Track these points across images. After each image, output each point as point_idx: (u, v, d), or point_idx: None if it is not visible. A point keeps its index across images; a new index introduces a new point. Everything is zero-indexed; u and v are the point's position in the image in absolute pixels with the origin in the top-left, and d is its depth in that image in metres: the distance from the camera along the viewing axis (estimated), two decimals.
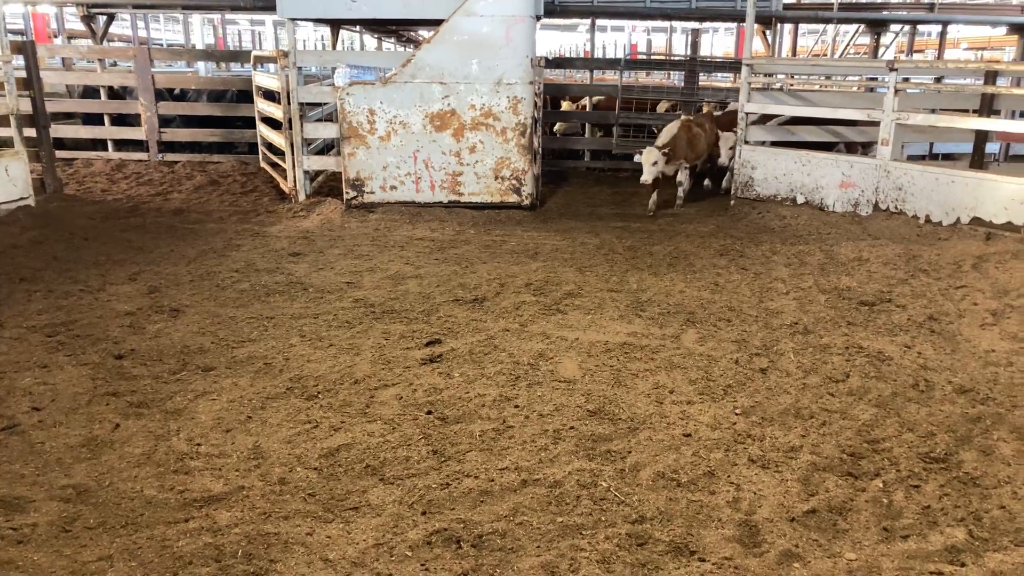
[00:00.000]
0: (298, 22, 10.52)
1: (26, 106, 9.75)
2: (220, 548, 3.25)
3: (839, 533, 3.40)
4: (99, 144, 13.38)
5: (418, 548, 3.26)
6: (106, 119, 13.26)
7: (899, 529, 3.42)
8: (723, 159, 10.83)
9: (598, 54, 27.22)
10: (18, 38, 15.87)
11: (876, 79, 11.81)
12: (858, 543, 3.33)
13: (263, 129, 11.56)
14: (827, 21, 16.93)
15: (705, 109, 12.53)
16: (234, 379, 4.90)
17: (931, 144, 12.10)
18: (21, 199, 9.13)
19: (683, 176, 10.26)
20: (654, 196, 9.89)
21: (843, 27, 19.62)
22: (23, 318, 5.89)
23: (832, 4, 16.46)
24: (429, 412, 4.45)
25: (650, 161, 9.36)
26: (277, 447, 4.08)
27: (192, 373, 4.99)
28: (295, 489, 3.70)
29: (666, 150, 9.49)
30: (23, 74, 9.96)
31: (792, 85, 12.15)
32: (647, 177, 9.39)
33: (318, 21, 14.27)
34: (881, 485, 3.75)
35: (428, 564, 3.16)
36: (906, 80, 9.27)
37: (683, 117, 10.70)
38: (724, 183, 11.17)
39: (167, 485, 3.72)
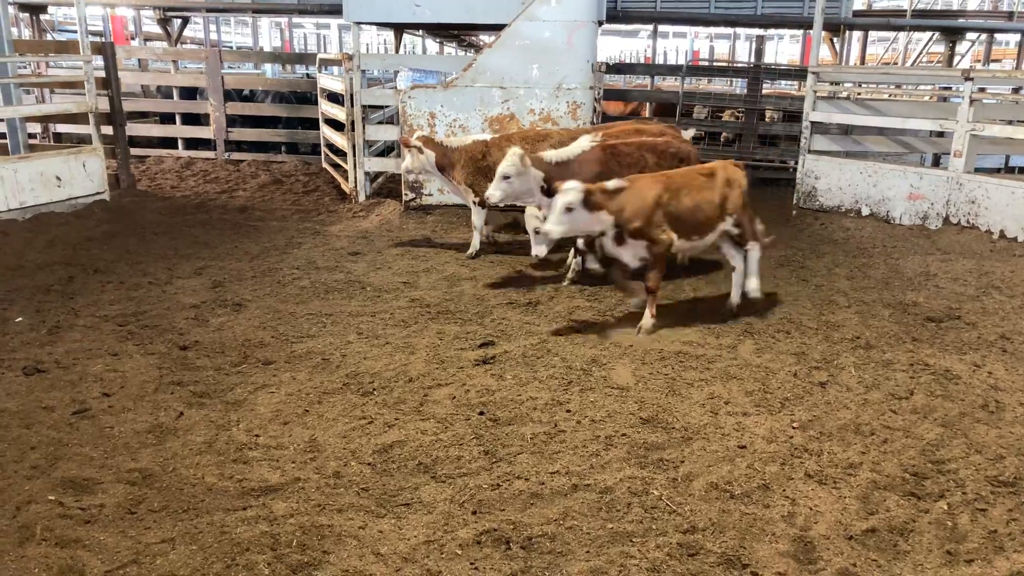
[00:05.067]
0: (362, 26, 10.72)
1: (104, 105, 10.17)
2: (276, 537, 3.33)
3: (900, 554, 3.29)
4: (170, 142, 13.87)
5: (468, 547, 3.28)
6: (177, 118, 13.74)
7: (963, 553, 3.30)
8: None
9: (659, 60, 27.00)
10: (98, 39, 16.55)
11: (950, 88, 11.44)
12: (919, 565, 3.22)
13: (326, 130, 11.81)
14: (899, 28, 16.44)
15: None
16: (293, 373, 5.01)
17: (1007, 157, 11.65)
18: (97, 194, 9.52)
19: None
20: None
21: (916, 35, 19.03)
22: (96, 308, 6.14)
23: (905, 11, 16.00)
24: (481, 413, 4.48)
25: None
26: (333, 441, 4.16)
27: (252, 366, 5.13)
28: (349, 483, 3.76)
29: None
30: (102, 74, 10.39)
31: (860, 94, 11.83)
32: None
33: (382, 25, 14.52)
34: (945, 507, 3.62)
35: (477, 563, 3.18)
36: (982, 90, 8.95)
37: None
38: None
39: (227, 473, 3.83)
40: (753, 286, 6.30)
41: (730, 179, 6.04)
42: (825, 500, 3.66)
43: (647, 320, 5.77)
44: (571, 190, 5.35)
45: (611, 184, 5.54)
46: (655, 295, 5.81)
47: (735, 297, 6.32)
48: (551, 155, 6.72)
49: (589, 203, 5.37)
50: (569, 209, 5.34)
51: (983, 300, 6.62)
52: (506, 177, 6.28)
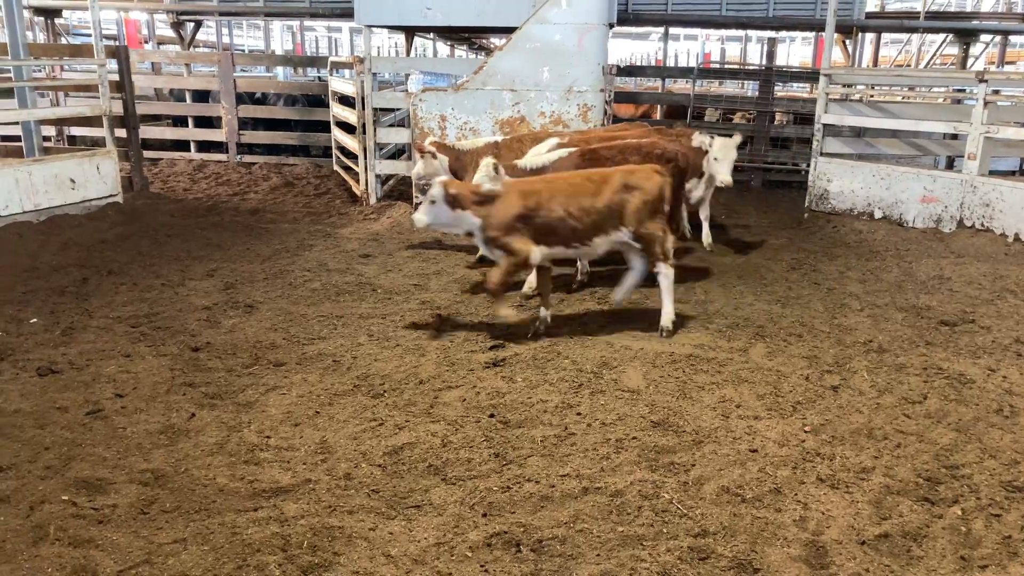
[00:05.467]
0: (374, 29, 10.76)
1: (118, 108, 10.24)
2: (287, 538, 3.34)
3: (913, 560, 3.27)
4: (182, 145, 13.96)
5: (478, 549, 3.28)
6: (190, 121, 13.83)
7: (977, 559, 3.27)
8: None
9: (670, 63, 26.95)
10: (112, 43, 16.69)
11: (964, 91, 11.36)
12: (933, 571, 3.19)
13: (337, 133, 11.85)
14: (912, 30, 16.34)
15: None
16: (304, 375, 5.03)
17: (1022, 160, 11.56)
18: (111, 196, 9.59)
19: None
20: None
21: (929, 37, 18.91)
22: (110, 309, 6.19)
23: (918, 13, 15.90)
24: (492, 415, 4.48)
25: None
26: (343, 443, 4.17)
27: (264, 368, 5.15)
28: (360, 485, 3.77)
29: None
30: (116, 77, 10.47)
31: (872, 96, 11.76)
32: None
33: (393, 28, 14.56)
34: (960, 512, 3.59)
35: (488, 566, 3.18)
36: (996, 92, 8.88)
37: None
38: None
39: (238, 475, 3.84)
40: (665, 315, 5.75)
41: (630, 185, 5.52)
42: (837, 505, 3.64)
43: (502, 311, 5.69)
44: (436, 184, 5.38)
45: (486, 187, 5.45)
46: (496, 296, 5.63)
47: (617, 295, 6.01)
48: (526, 162, 6.69)
49: (451, 201, 5.33)
50: (432, 202, 5.35)
51: (998, 304, 6.56)
52: None
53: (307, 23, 32.39)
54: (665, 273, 5.73)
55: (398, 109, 11.85)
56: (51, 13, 16.41)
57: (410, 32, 13.98)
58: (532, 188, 5.55)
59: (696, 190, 8.12)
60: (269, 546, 3.28)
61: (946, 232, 8.72)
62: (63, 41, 17.81)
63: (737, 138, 7.83)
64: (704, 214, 8.48)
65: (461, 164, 7.66)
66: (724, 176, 7.64)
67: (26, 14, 13.92)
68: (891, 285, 7.15)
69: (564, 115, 9.50)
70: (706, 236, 8.49)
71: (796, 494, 3.72)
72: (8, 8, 9.40)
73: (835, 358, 5.41)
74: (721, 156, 7.65)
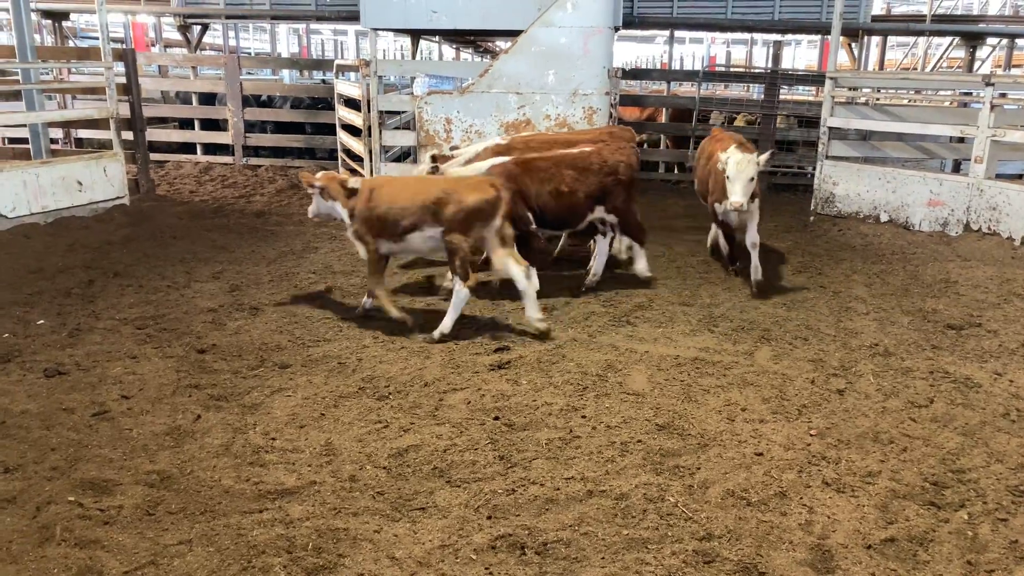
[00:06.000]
0: (380, 32, 10.79)
1: (125, 110, 10.28)
2: (292, 540, 3.34)
3: (919, 564, 3.26)
4: (189, 147, 14.01)
5: (483, 552, 3.28)
6: (196, 124, 13.87)
7: (983, 564, 3.26)
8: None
9: (675, 66, 26.95)
10: (119, 46, 16.76)
11: (970, 94, 11.33)
12: None
13: (343, 136, 11.88)
14: (919, 33, 16.33)
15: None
16: (309, 377, 5.04)
17: None
18: (117, 198, 9.63)
19: None
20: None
21: (935, 40, 18.88)
22: (116, 311, 6.21)
23: (924, 16, 15.88)
24: (496, 418, 4.48)
25: None
26: (348, 445, 4.17)
27: (269, 370, 5.16)
28: (364, 487, 3.77)
29: None
30: (123, 80, 10.52)
31: (879, 100, 11.73)
32: None
33: (399, 31, 14.59)
34: (966, 517, 3.58)
35: (492, 568, 3.18)
36: (1003, 95, 8.86)
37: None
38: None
39: (243, 476, 3.85)
40: (441, 326, 5.67)
41: (448, 191, 5.65)
42: (843, 508, 3.63)
43: (383, 303, 5.94)
44: (318, 176, 6.06)
45: (351, 183, 5.97)
46: (373, 286, 6.00)
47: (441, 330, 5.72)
48: (456, 172, 6.66)
49: (323, 192, 6.00)
50: (313, 194, 6.04)
51: (1004, 307, 6.54)
52: None
53: (313, 26, 32.52)
54: (457, 290, 5.70)
55: (403, 112, 11.86)
56: (59, 16, 16.50)
57: (416, 35, 14.02)
58: (376, 185, 6.01)
59: (723, 209, 7.06)
60: (274, 548, 3.29)
61: (952, 236, 8.70)
62: (71, 44, 17.90)
63: (758, 156, 6.68)
64: (751, 240, 7.08)
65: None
66: (734, 197, 6.59)
67: (34, 17, 14.00)
68: (897, 289, 7.13)
69: (569, 118, 9.51)
70: (755, 271, 7.01)
71: (802, 498, 3.71)
72: (16, 11, 9.45)
73: (841, 361, 5.40)
74: (734, 175, 6.56)
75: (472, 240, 5.68)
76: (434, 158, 6.98)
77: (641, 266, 7.16)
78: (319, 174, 6.13)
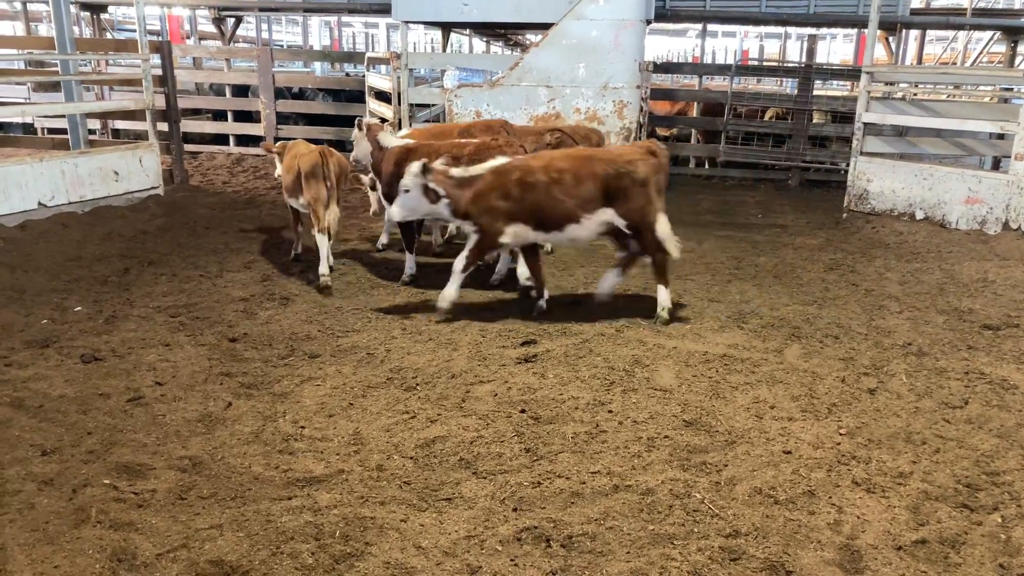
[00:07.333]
0: (410, 25, 10.82)
1: (160, 102, 10.44)
2: (320, 527, 3.38)
3: (951, 567, 3.21)
4: (222, 139, 14.19)
5: (508, 543, 3.29)
6: (229, 115, 14.04)
7: (1016, 567, 3.19)
8: None
9: (708, 60, 26.68)
10: (155, 39, 17.01)
11: (1011, 90, 11.07)
12: None
13: None
14: (959, 27, 15.96)
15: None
16: (338, 367, 5.09)
17: None
18: (152, 188, 9.79)
19: None
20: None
21: (976, 34, 18.45)
22: (150, 299, 6.32)
23: (965, 9, 15.53)
24: (523, 411, 4.49)
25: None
26: (376, 434, 4.21)
27: (299, 359, 5.22)
28: (392, 476, 3.81)
29: None
30: (159, 72, 10.68)
31: (916, 95, 11.51)
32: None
33: (430, 24, 14.62)
34: (999, 519, 3.51)
35: (517, 560, 3.19)
36: None
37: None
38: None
39: (273, 463, 3.91)
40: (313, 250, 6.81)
41: (296, 161, 6.80)
42: (873, 509, 3.58)
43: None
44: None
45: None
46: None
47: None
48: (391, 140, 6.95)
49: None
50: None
51: None
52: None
53: (345, 19, 32.71)
54: (318, 236, 6.64)
55: (434, 105, 11.90)
56: (97, 9, 16.77)
57: (447, 28, 14.03)
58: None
59: None
60: (302, 534, 3.33)
61: (991, 234, 8.52)
62: (108, 36, 18.20)
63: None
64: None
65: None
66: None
67: (73, 10, 14.26)
68: (932, 287, 7.01)
69: (600, 111, 9.47)
70: None
71: (831, 497, 3.67)
72: (56, 4, 9.64)
73: (872, 360, 5.32)
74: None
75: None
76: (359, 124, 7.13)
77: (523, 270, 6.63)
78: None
